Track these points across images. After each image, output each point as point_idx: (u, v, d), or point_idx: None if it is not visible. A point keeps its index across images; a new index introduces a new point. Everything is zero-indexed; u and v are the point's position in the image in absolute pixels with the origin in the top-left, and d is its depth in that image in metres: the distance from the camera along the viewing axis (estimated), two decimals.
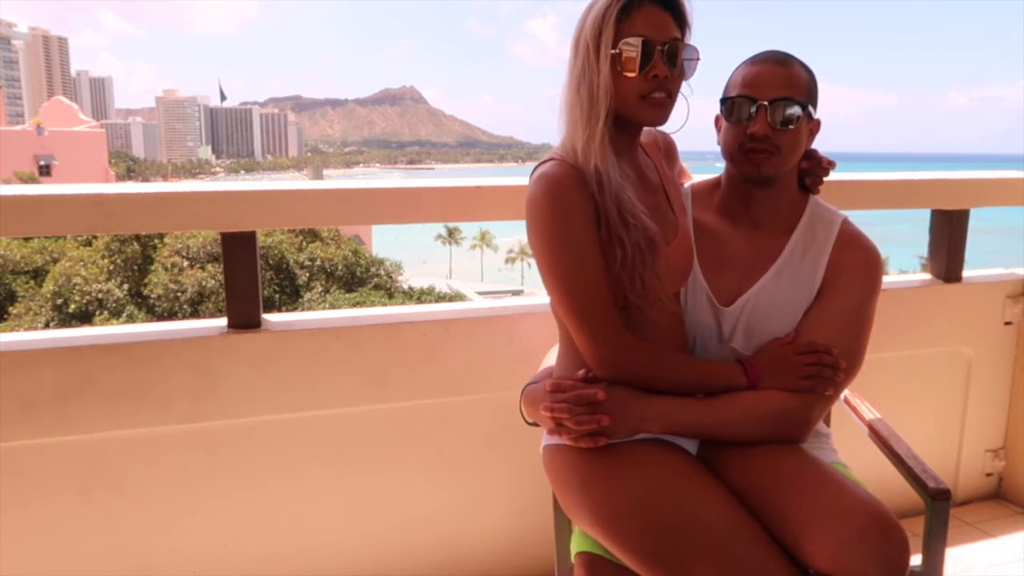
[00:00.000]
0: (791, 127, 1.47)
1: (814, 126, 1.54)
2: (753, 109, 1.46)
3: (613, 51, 1.36)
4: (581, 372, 1.41)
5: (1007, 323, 2.66)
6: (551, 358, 1.66)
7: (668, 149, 1.67)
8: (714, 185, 1.65)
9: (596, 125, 1.37)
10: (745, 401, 1.40)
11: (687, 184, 1.69)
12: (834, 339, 1.44)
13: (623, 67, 1.37)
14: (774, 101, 1.45)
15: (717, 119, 1.55)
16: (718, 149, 1.64)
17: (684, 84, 1.44)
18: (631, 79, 1.37)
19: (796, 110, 1.46)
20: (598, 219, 1.37)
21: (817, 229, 1.54)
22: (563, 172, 1.37)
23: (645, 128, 1.54)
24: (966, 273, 2.62)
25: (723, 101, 1.52)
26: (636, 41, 1.36)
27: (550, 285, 1.41)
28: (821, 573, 1.20)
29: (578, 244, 1.36)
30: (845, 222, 1.56)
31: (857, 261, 1.51)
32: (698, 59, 1.44)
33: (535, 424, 1.52)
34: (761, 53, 1.52)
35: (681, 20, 1.42)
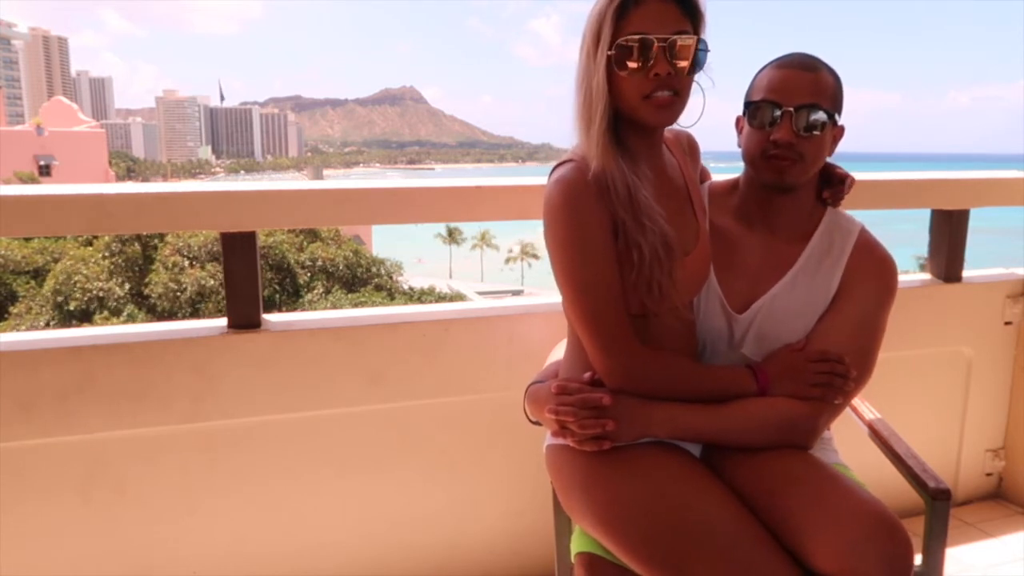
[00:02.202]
0: (815, 133, 1.44)
1: (838, 132, 1.51)
2: (777, 115, 1.43)
3: (609, 52, 1.31)
4: (587, 375, 1.39)
5: (1007, 323, 2.66)
6: (557, 354, 1.66)
7: (691, 149, 1.62)
8: (732, 187, 1.62)
9: (593, 128, 1.34)
10: (753, 407, 1.39)
11: (705, 184, 1.65)
12: (846, 347, 1.42)
13: (619, 67, 1.32)
14: (799, 108, 1.43)
15: (738, 120, 1.53)
16: (717, 149, 1.64)
17: (704, 77, 1.38)
18: (630, 79, 1.32)
19: (821, 116, 1.44)
20: (615, 224, 1.35)
21: (835, 237, 1.53)
22: (579, 176, 1.34)
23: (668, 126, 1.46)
24: (966, 273, 2.62)
25: (747, 105, 1.49)
26: (632, 40, 1.30)
27: (563, 290, 1.39)
28: (826, 575, 1.20)
29: (593, 252, 1.34)
30: (863, 231, 1.53)
31: (873, 270, 1.50)
32: (708, 51, 1.37)
33: (538, 423, 1.52)
34: (787, 56, 1.48)
35: (691, 10, 1.35)
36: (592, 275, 1.34)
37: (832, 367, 1.39)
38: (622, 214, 1.33)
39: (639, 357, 1.36)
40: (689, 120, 1.42)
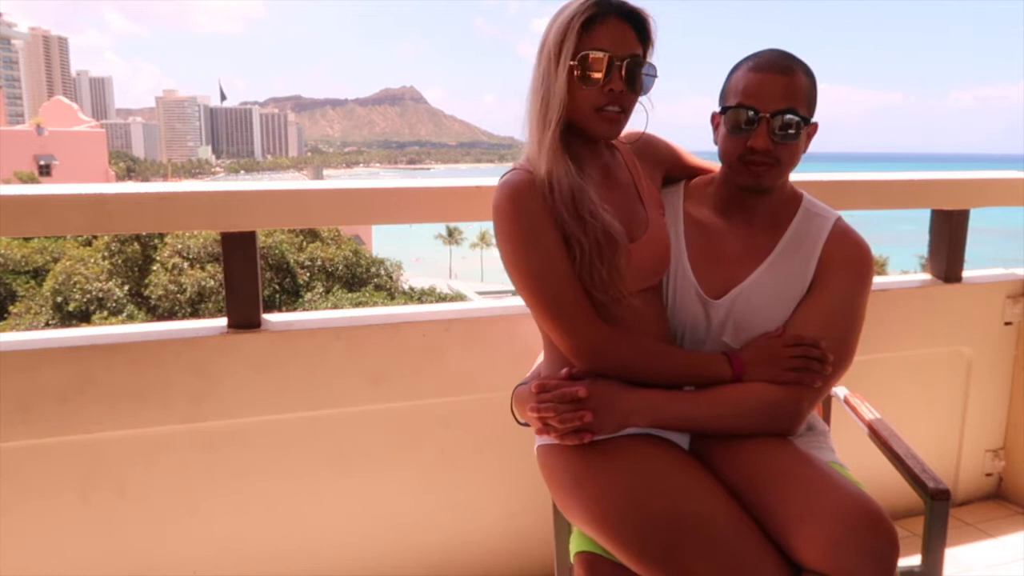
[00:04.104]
0: (791, 135, 1.45)
1: (812, 130, 1.52)
2: (754, 121, 1.44)
3: (572, 62, 1.38)
4: (564, 370, 1.42)
5: (1007, 323, 2.66)
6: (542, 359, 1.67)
7: (644, 147, 1.64)
8: (709, 180, 1.64)
9: (546, 132, 1.41)
10: (732, 394, 1.41)
11: (680, 181, 1.67)
12: (823, 332, 1.44)
13: (579, 79, 1.40)
14: (775, 113, 1.43)
15: (714, 117, 1.54)
16: (707, 150, 1.64)
17: (644, 98, 1.48)
18: (586, 91, 1.41)
19: (797, 121, 1.45)
20: (558, 222, 1.40)
21: (811, 225, 1.55)
22: (522, 178, 1.42)
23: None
24: (966, 273, 2.62)
25: (723, 110, 1.50)
26: (595, 55, 1.39)
27: (521, 286, 1.43)
28: (811, 568, 1.21)
29: (542, 243, 1.40)
30: (839, 220, 1.56)
31: (848, 256, 1.51)
32: (656, 76, 1.46)
33: (526, 424, 1.53)
34: (763, 56, 1.48)
35: (644, 36, 1.44)
36: (544, 262, 1.40)
37: (807, 351, 1.41)
38: (564, 213, 1.39)
39: (605, 333, 1.40)
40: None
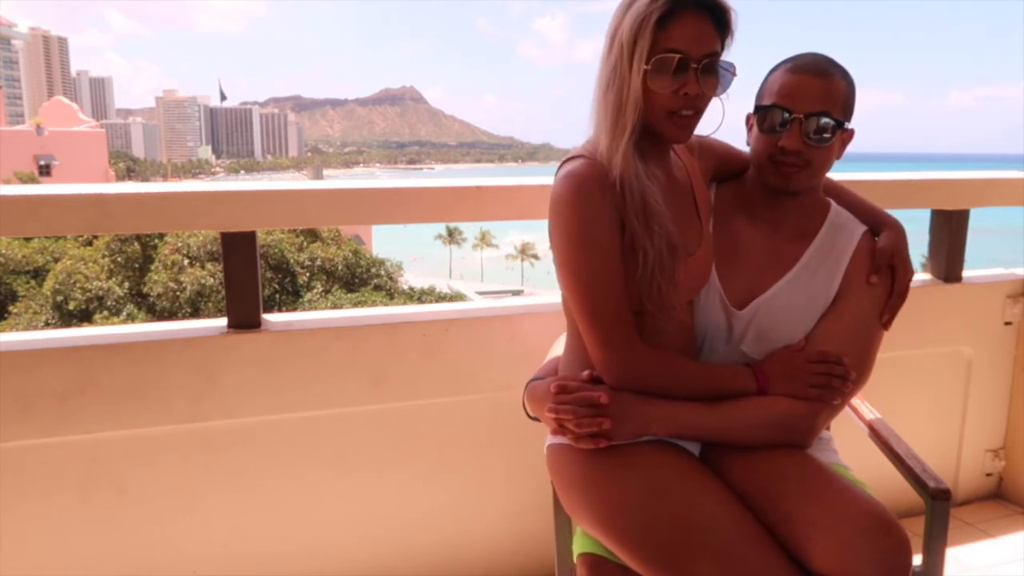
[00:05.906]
0: (824, 139, 1.43)
1: (847, 136, 1.49)
2: (787, 121, 1.42)
3: (646, 66, 1.30)
4: (586, 373, 1.40)
5: (1007, 323, 2.66)
6: (557, 349, 1.66)
7: (702, 150, 1.59)
8: (738, 183, 1.61)
9: (622, 138, 1.32)
10: (750, 406, 1.39)
11: (712, 185, 1.63)
12: (845, 348, 1.42)
13: (654, 83, 1.31)
14: (809, 115, 1.41)
15: (748, 118, 1.51)
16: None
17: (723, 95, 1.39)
18: (659, 94, 1.32)
19: (832, 125, 1.43)
20: (622, 223, 1.34)
21: (837, 238, 1.52)
22: (590, 171, 1.34)
23: None
24: (966, 273, 2.62)
25: (757, 108, 1.47)
26: (671, 58, 1.29)
27: (566, 284, 1.39)
28: (822, 574, 1.20)
29: (600, 247, 1.33)
30: (866, 233, 1.53)
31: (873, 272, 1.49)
32: (735, 74, 1.37)
33: (536, 419, 1.53)
34: (801, 58, 1.46)
35: (724, 29, 1.35)
36: (597, 269, 1.34)
37: (831, 368, 1.39)
38: (633, 218, 1.33)
39: (638, 353, 1.36)
40: (707, 129, 1.43)
